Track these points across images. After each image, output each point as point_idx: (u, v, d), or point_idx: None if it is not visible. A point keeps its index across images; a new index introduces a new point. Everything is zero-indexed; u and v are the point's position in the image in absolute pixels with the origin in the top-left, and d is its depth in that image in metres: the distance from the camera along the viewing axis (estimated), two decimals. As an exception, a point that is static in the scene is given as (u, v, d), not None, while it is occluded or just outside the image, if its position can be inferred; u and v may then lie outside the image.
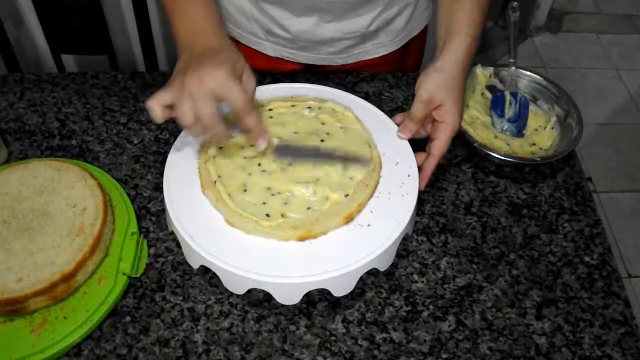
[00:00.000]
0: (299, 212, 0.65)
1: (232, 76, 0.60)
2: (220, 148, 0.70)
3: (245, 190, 0.67)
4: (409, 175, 0.71)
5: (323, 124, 0.75)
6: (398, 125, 0.75)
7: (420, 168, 0.72)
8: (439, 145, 0.71)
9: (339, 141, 0.72)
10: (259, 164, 0.69)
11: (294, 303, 0.65)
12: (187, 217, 0.65)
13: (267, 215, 0.64)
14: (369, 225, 0.66)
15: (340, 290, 0.65)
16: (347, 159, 0.69)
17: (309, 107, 0.76)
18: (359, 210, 0.66)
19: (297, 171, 0.68)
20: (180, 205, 0.66)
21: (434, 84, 0.70)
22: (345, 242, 0.64)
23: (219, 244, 0.63)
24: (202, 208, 0.66)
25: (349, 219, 0.65)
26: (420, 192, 0.69)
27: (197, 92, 0.59)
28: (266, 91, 0.79)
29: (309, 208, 0.66)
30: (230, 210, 0.65)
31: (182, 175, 0.69)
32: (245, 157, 0.70)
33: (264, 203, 0.66)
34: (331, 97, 0.79)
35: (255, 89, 0.65)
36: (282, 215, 0.65)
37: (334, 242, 0.64)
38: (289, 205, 0.66)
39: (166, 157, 0.71)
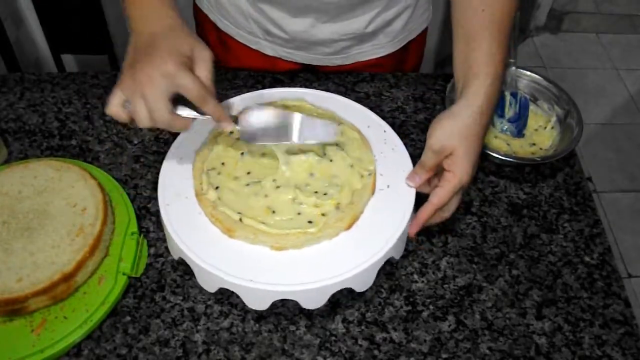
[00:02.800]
0: (333, 205, 0.66)
1: (181, 66, 0.58)
2: (217, 188, 0.66)
3: (274, 212, 0.65)
4: (384, 131, 0.75)
5: None
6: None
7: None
8: (440, 194, 0.64)
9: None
10: (274, 180, 0.67)
11: (367, 287, 0.65)
12: (234, 266, 0.61)
13: (310, 222, 0.64)
14: (388, 186, 0.69)
15: (399, 252, 0.68)
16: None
17: None
18: (375, 178, 0.69)
19: (299, 172, 0.68)
20: (217, 259, 0.61)
21: (447, 131, 0.65)
22: (383, 211, 0.67)
23: (282, 271, 0.61)
24: (238, 251, 0.63)
25: (373, 189, 0.68)
26: (421, 193, 0.69)
27: (149, 92, 0.58)
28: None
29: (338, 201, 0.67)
30: (275, 236, 0.63)
31: (194, 229, 0.64)
32: (248, 184, 0.67)
33: (299, 214, 0.65)
34: (280, 97, 0.78)
35: (212, 65, 0.62)
36: (323, 215, 0.65)
37: (375, 215, 0.66)
38: (322, 204, 0.66)
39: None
